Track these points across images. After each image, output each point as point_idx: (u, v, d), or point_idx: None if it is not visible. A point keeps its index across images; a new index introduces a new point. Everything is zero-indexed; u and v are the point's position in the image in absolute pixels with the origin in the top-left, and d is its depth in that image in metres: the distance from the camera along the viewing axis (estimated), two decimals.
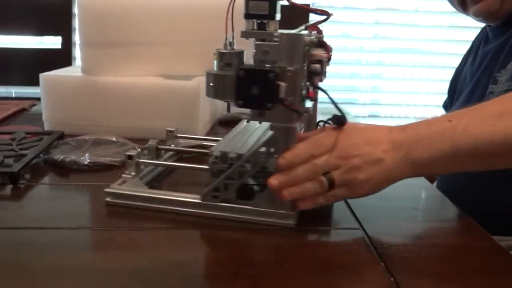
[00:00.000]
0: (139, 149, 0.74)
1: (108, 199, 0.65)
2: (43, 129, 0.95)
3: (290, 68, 0.55)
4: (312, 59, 0.58)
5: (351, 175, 0.58)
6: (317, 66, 0.57)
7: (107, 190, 0.65)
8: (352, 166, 0.58)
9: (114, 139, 0.86)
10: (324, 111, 1.18)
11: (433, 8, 1.98)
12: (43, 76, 0.93)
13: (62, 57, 1.44)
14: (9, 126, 0.98)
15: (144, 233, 0.59)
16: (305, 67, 0.57)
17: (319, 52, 0.58)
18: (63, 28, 1.46)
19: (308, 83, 0.60)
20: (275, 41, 0.57)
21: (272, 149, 0.59)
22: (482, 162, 0.59)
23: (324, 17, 0.65)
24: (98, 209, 0.65)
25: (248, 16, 0.58)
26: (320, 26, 0.64)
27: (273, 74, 0.53)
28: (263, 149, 0.60)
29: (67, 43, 1.45)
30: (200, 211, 0.62)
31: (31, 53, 1.51)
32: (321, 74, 0.59)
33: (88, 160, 0.78)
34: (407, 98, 2.06)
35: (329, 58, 0.63)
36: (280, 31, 0.57)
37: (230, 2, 0.58)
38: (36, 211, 0.65)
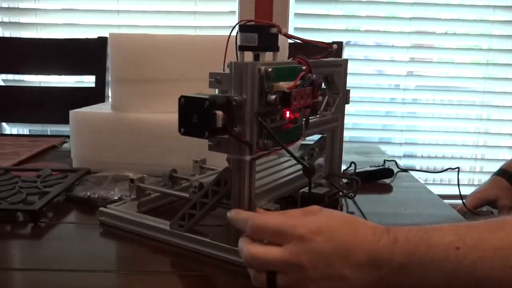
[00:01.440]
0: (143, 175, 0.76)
1: (101, 218, 0.70)
2: (71, 166, 0.94)
3: (235, 98, 0.54)
4: (272, 91, 0.56)
5: (301, 286, 0.49)
6: (273, 97, 0.55)
7: (101, 209, 0.70)
8: (306, 277, 0.48)
9: (131, 175, 0.84)
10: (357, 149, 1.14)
11: (470, 44, 1.93)
12: (73, 112, 0.93)
13: (96, 96, 1.46)
14: (37, 163, 0.98)
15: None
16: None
17: (280, 84, 0.56)
18: (97, 67, 1.48)
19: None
20: None
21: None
22: None
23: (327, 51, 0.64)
24: (114, 250, 0.63)
25: (240, 48, 0.59)
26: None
27: (208, 102, 0.52)
28: None
29: (101, 82, 1.47)
30: (167, 238, 0.63)
31: (66, 91, 1.54)
32: (279, 105, 0.56)
33: (119, 195, 0.75)
34: (444, 138, 1.99)
35: (316, 95, 0.60)
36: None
37: (229, 34, 0.59)
38: (54, 251, 0.63)
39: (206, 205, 0.60)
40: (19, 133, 1.83)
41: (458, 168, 1.03)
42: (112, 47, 0.89)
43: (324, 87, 0.75)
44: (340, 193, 0.73)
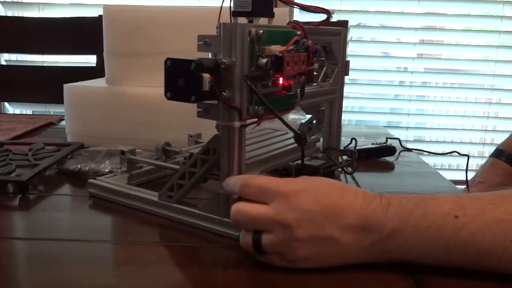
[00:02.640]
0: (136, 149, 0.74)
1: (90, 190, 0.68)
2: (66, 141, 0.92)
3: (224, 60, 0.51)
4: (263, 54, 0.53)
5: (288, 248, 0.46)
6: (264, 61, 0.52)
7: (90, 181, 0.68)
8: (292, 238, 0.46)
9: (126, 150, 0.82)
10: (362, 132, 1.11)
11: (481, 26, 1.88)
12: (67, 86, 0.91)
13: (97, 75, 1.43)
14: (32, 138, 0.96)
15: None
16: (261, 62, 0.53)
17: (272, 47, 0.53)
18: (99, 46, 1.45)
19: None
20: None
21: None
22: (473, 267, 0.46)
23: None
24: (101, 221, 0.61)
25: (233, 13, 0.57)
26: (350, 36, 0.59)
27: (195, 64, 0.49)
28: None
29: (102, 61, 1.44)
30: (156, 209, 0.62)
31: (69, 71, 1.52)
32: (271, 70, 0.53)
33: (109, 168, 0.74)
34: (453, 121, 1.95)
35: (311, 62, 0.58)
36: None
37: (222, 3, 0.57)
38: (41, 222, 0.62)
39: (195, 175, 0.58)
40: (23, 113, 1.82)
41: (468, 156, 1.00)
42: (106, 19, 0.87)
43: (323, 57, 0.72)
44: (336, 167, 0.70)
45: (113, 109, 0.88)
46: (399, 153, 0.97)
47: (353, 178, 0.78)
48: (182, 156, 0.64)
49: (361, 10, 1.83)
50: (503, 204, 0.47)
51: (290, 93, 0.59)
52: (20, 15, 1.81)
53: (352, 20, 1.83)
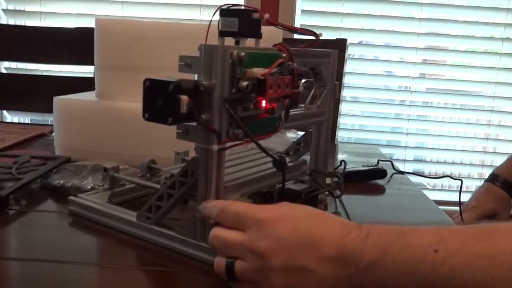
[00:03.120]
0: (121, 166, 0.73)
1: (70, 207, 0.67)
2: (54, 154, 0.91)
3: (204, 82, 0.50)
4: (245, 77, 0.52)
5: (261, 277, 0.45)
6: (244, 84, 0.52)
7: (70, 198, 0.67)
8: (266, 266, 0.44)
9: (109, 167, 0.81)
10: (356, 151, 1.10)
11: (485, 47, 1.87)
12: (57, 99, 0.90)
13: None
14: (17, 150, 0.95)
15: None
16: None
17: (254, 70, 0.52)
18: None
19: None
20: None
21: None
22: None
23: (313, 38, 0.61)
24: (79, 240, 0.60)
25: (220, 33, 0.56)
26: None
27: (172, 85, 0.49)
28: None
29: None
30: (134, 230, 0.60)
31: (67, 81, 1.52)
32: (253, 93, 0.52)
33: (91, 185, 0.73)
34: (454, 142, 1.93)
35: (296, 85, 0.57)
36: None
37: (211, 19, 0.57)
38: (18, 239, 0.61)
39: (173, 197, 0.57)
40: (21, 122, 1.82)
41: (461, 180, 0.99)
42: (98, 32, 0.86)
43: (311, 79, 0.71)
44: (321, 191, 0.69)
45: (102, 123, 0.88)
46: (391, 176, 0.96)
47: (341, 201, 0.76)
48: (163, 176, 0.63)
49: (362, 28, 1.82)
50: (485, 239, 0.45)
51: (274, 115, 0.58)
52: (22, 23, 1.82)
53: (354, 39, 1.82)
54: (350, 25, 1.80)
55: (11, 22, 1.82)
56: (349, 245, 0.44)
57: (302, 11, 1.78)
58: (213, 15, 0.59)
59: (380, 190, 0.88)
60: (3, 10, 1.81)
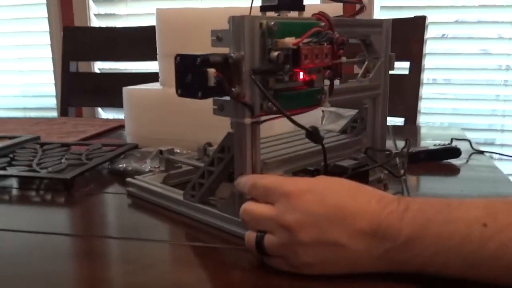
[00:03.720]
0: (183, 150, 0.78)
1: (128, 188, 0.69)
2: (125, 142, 0.96)
3: (232, 55, 0.49)
4: (276, 47, 0.51)
5: (290, 252, 0.43)
6: (275, 54, 0.50)
7: (127, 180, 0.70)
8: (294, 241, 0.42)
9: (178, 151, 0.83)
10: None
11: None
12: (125, 89, 0.94)
13: None
14: (95, 140, 1.01)
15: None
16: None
17: (285, 40, 0.51)
18: None
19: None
20: None
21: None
22: (505, 282, 0.39)
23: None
24: (131, 218, 0.64)
25: (261, 8, 0.56)
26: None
27: (200, 59, 0.48)
28: None
29: None
30: (181, 208, 0.61)
31: (143, 77, 1.58)
32: (288, 64, 0.51)
33: (149, 167, 0.75)
34: None
35: (337, 54, 0.54)
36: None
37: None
38: (77, 219, 0.64)
39: (213, 174, 0.57)
40: (114, 118, 1.94)
41: None
42: (158, 22, 0.89)
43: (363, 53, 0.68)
44: (371, 166, 0.65)
45: (166, 110, 0.90)
46: (470, 156, 0.88)
47: (405, 182, 0.72)
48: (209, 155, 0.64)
49: (452, 6, 1.70)
50: None
51: (314, 88, 0.55)
52: (112, 25, 1.93)
53: (449, 16, 1.70)
54: (445, 1, 1.68)
55: (102, 24, 1.94)
56: (385, 220, 0.41)
57: None
58: None
59: (453, 171, 0.81)
60: (94, 14, 1.94)
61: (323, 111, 1.05)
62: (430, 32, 1.68)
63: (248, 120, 0.51)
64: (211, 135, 0.83)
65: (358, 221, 0.42)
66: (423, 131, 1.23)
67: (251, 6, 0.60)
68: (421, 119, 1.74)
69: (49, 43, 1.98)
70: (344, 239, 0.42)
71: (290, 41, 0.51)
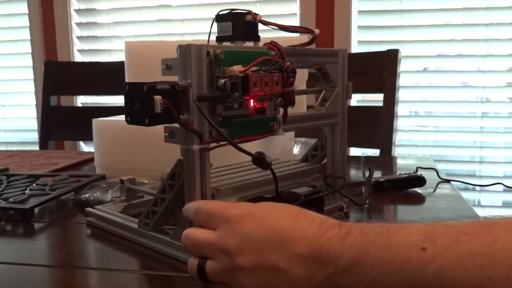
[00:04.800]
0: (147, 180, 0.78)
1: (88, 218, 0.69)
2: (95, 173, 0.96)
3: (179, 82, 0.50)
4: (224, 75, 0.52)
5: (232, 277, 0.43)
6: (222, 81, 0.51)
7: (87, 209, 0.70)
8: (235, 266, 0.42)
9: (146, 181, 0.83)
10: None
11: None
12: (95, 121, 0.95)
13: None
14: (67, 171, 1.00)
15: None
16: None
17: (234, 68, 0.52)
18: None
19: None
20: None
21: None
22: None
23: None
24: (89, 247, 0.64)
25: (217, 39, 0.57)
26: None
27: (147, 86, 0.49)
28: None
29: None
30: (136, 237, 0.61)
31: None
32: (237, 92, 0.52)
33: (111, 197, 0.75)
34: None
35: (288, 82, 0.56)
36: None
37: (211, 25, 0.59)
38: (33, 248, 0.64)
39: (165, 201, 0.57)
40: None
41: None
42: (127, 54, 0.90)
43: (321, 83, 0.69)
44: (325, 193, 0.65)
45: (134, 141, 0.90)
46: (437, 185, 0.89)
47: (367, 210, 0.72)
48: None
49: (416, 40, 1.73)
50: (481, 234, 0.40)
51: (265, 115, 0.56)
52: (95, 60, 1.95)
53: (432, 50, 1.73)
54: (407, 37, 1.72)
55: (86, 60, 1.96)
56: (325, 244, 0.41)
57: (359, 26, 1.74)
58: (212, 23, 0.60)
59: (417, 200, 0.81)
60: (78, 50, 1.96)
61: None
62: (412, 65, 1.72)
63: (196, 147, 0.51)
64: None
65: (298, 245, 0.42)
66: (397, 161, 1.24)
67: (209, 37, 0.61)
68: (402, 151, 1.76)
69: (32, 77, 1.99)
70: (284, 263, 0.41)
71: (237, 69, 0.52)
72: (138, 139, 0.89)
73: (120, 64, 1.60)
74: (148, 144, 0.88)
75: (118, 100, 1.84)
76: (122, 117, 0.97)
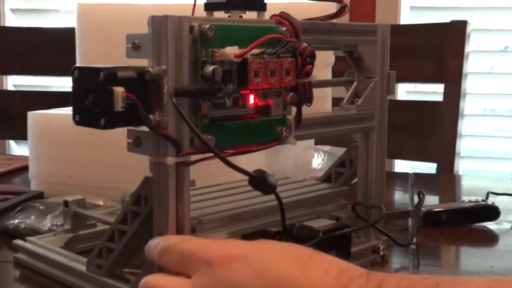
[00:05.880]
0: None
1: (16, 255, 0.70)
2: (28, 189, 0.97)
3: (150, 69, 0.50)
4: (213, 60, 0.53)
5: None
6: (211, 69, 0.51)
7: (15, 242, 0.71)
8: None
9: (101, 203, 0.84)
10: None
11: None
12: (31, 115, 0.96)
13: None
14: None
15: None
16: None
17: (227, 51, 0.52)
18: None
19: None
20: None
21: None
22: None
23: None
24: None
25: (206, 7, 0.59)
26: None
27: (104, 73, 0.49)
28: None
29: None
30: (83, 285, 0.62)
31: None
32: (229, 82, 0.54)
33: (49, 225, 0.76)
34: None
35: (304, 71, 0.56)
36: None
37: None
38: None
39: (126, 234, 0.58)
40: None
41: None
42: (79, 22, 0.92)
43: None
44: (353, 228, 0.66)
45: (86, 145, 0.91)
46: None
47: (415, 252, 0.73)
48: None
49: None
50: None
51: (271, 117, 0.57)
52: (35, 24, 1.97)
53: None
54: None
55: (22, 23, 1.98)
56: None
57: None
58: None
59: (487, 239, 0.82)
60: (11, 9, 1.98)
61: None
62: (486, 43, 1.73)
63: (171, 160, 0.52)
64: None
65: None
66: (461, 182, 1.25)
67: (194, 4, 0.62)
68: (468, 166, 1.76)
69: None
70: None
71: (232, 51, 0.53)
72: (90, 145, 0.90)
73: (70, 32, 1.62)
74: (104, 153, 0.89)
75: (66, 82, 1.86)
76: (70, 110, 0.99)
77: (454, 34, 1.39)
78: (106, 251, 0.60)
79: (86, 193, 0.88)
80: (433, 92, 1.55)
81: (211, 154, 0.53)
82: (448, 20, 1.42)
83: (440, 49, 1.39)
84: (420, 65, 1.39)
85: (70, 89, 0.56)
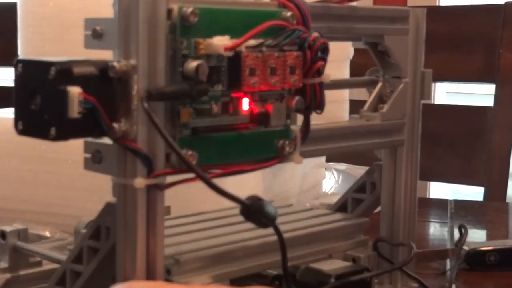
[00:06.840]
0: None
1: None
2: None
3: (114, 64, 0.51)
4: (196, 53, 0.53)
5: None
6: (194, 65, 0.52)
7: None
8: None
9: (47, 234, 0.84)
10: None
11: None
12: None
13: None
14: None
15: None
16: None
17: (215, 41, 0.53)
18: None
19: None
20: None
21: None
22: None
23: None
24: None
25: None
26: None
27: (55, 69, 0.50)
28: None
29: None
30: None
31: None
32: (217, 82, 0.55)
33: None
34: None
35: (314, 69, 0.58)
36: None
37: None
38: None
39: (81, 277, 0.58)
40: None
41: None
42: (21, 13, 0.93)
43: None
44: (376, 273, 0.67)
45: (33, 163, 0.92)
46: None
47: None
48: None
49: None
50: None
51: (270, 128, 0.58)
52: None
53: None
54: None
55: None
56: None
57: None
58: None
59: None
60: None
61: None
62: None
63: (140, 182, 0.53)
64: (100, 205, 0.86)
65: None
66: None
67: None
68: None
69: None
70: None
71: (222, 42, 0.54)
72: (37, 160, 0.90)
73: (10, 9, 1.63)
74: (55, 170, 0.90)
75: (6, 75, 1.87)
76: (11, 113, 1.00)
77: (510, 19, 1.40)
78: (70, 276, 0.60)
79: (29, 221, 0.89)
80: (481, 94, 1.56)
81: (193, 175, 0.54)
82: (502, 2, 1.43)
83: (491, 39, 1.40)
84: (464, 60, 1.40)
85: (11, 84, 0.57)
